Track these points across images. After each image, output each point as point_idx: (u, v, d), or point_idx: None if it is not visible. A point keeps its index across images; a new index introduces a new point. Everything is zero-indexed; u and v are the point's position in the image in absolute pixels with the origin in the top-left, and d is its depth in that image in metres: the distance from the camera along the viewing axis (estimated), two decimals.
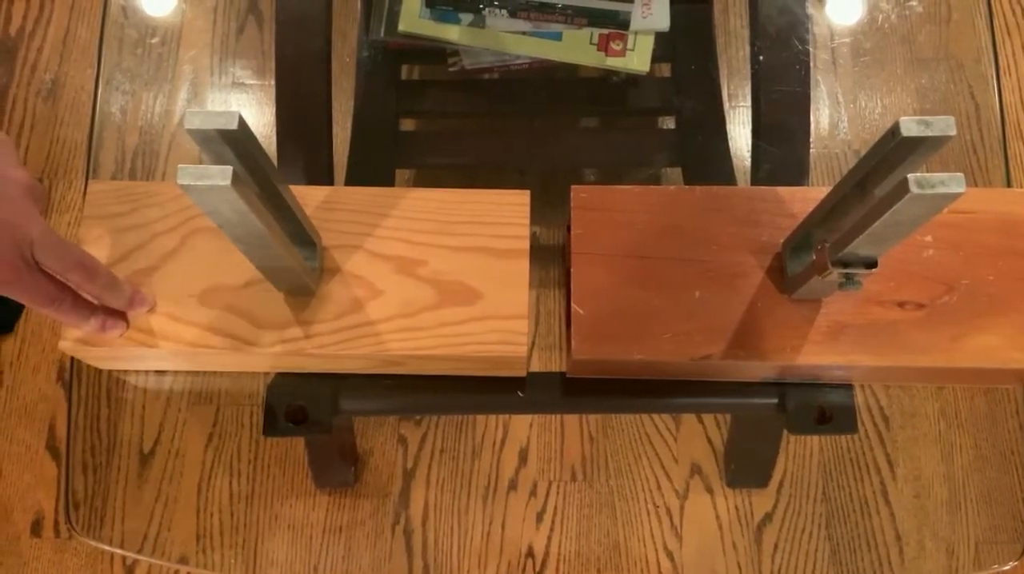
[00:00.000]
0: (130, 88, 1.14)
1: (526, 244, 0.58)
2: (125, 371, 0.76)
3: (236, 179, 0.39)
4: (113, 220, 0.58)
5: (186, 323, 0.56)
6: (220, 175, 0.39)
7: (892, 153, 0.44)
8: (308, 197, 0.58)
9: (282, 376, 0.62)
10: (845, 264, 0.49)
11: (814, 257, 0.51)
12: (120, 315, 0.56)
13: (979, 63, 1.12)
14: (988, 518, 1.03)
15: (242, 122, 0.41)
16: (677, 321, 0.57)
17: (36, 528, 1.08)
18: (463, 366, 0.59)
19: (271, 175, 0.47)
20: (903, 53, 1.13)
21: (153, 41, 1.08)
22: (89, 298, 0.53)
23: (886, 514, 1.03)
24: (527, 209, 0.58)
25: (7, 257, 0.47)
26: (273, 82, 0.71)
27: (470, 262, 0.57)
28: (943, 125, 0.41)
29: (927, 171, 0.41)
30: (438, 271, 0.57)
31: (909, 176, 0.40)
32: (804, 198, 0.60)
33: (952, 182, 0.40)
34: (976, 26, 1.10)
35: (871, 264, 0.49)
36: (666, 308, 0.57)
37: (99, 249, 0.57)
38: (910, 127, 0.41)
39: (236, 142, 0.42)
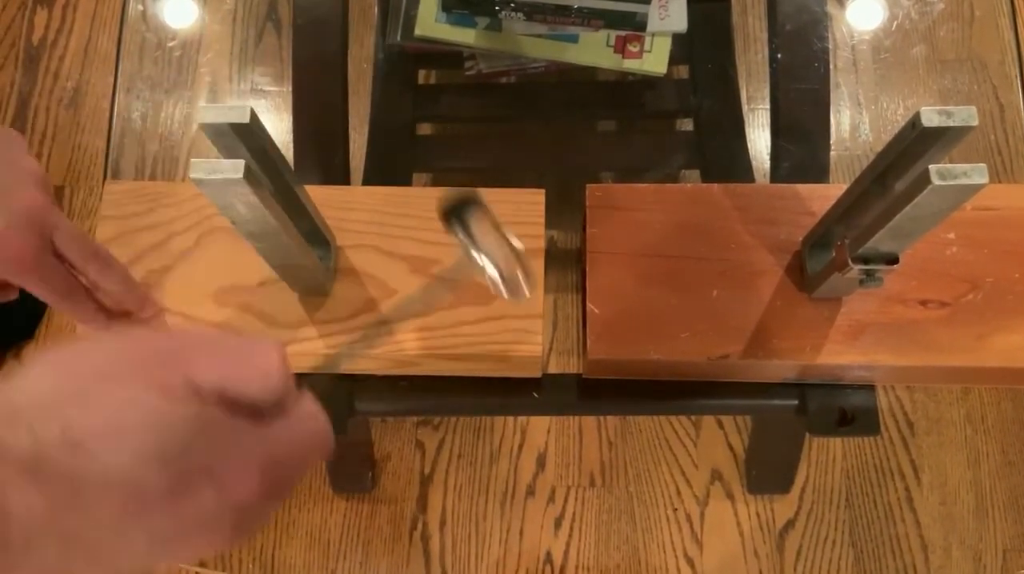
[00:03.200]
0: (150, 95, 1.15)
1: (541, 243, 0.57)
2: None
3: (249, 173, 0.39)
4: (129, 220, 0.59)
5: (200, 322, 0.56)
6: (232, 169, 0.39)
7: (913, 145, 0.43)
8: (323, 197, 0.58)
9: (297, 377, 0.61)
10: (866, 260, 0.48)
11: (834, 254, 0.50)
12: (129, 318, 0.55)
13: (1003, 63, 1.10)
14: (1016, 525, 1.01)
15: (254, 116, 0.41)
16: (694, 320, 0.57)
17: None
18: (478, 366, 0.58)
19: (284, 171, 0.47)
20: (925, 53, 1.12)
21: (171, 45, 1.09)
22: (100, 297, 0.53)
23: (911, 521, 1.01)
24: (542, 208, 0.58)
25: (31, 243, 0.47)
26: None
27: None
28: (964, 115, 0.40)
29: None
30: (452, 270, 0.57)
31: (931, 167, 0.39)
32: (824, 195, 0.59)
33: (975, 173, 0.39)
34: (999, 25, 1.09)
35: (892, 260, 0.48)
36: (683, 307, 0.57)
37: (115, 248, 0.58)
38: (931, 117, 0.41)
39: (249, 136, 0.42)
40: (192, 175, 0.39)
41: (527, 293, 0.42)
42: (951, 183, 0.39)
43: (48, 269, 0.48)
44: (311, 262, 0.51)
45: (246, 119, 0.40)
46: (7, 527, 0.25)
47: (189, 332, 0.36)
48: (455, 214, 0.41)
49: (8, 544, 0.25)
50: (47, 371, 0.29)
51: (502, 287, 0.41)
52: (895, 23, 1.02)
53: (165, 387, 0.29)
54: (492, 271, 0.41)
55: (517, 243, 0.41)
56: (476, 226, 0.41)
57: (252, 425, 0.31)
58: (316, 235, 0.55)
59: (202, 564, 0.99)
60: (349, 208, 0.59)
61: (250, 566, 1.01)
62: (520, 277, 0.41)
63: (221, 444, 0.30)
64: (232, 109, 0.41)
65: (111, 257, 0.51)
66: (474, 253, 0.41)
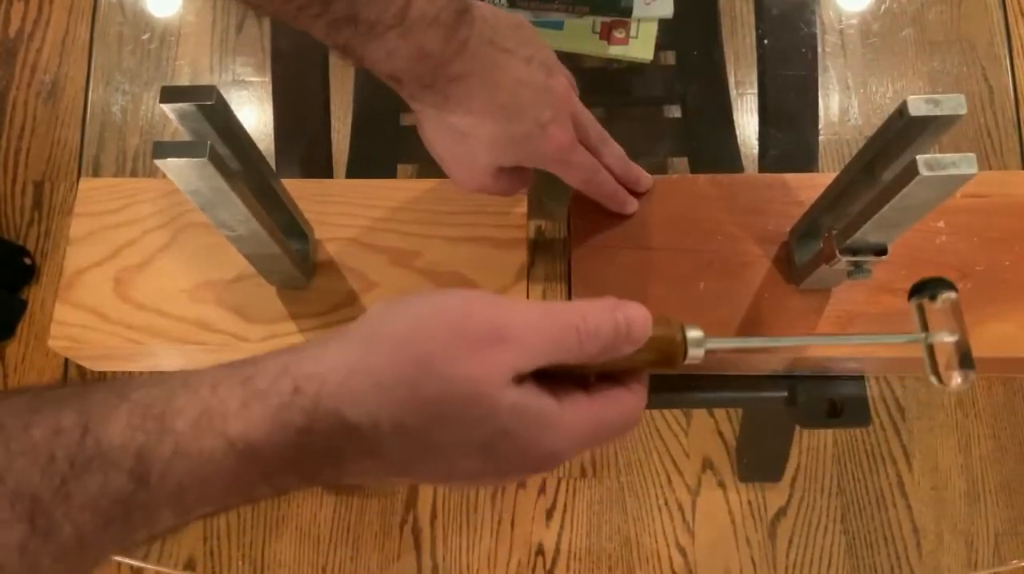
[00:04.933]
0: (129, 88, 1.13)
1: (524, 233, 0.56)
2: (128, 372, 0.75)
3: (214, 154, 0.38)
4: (104, 217, 0.57)
5: (175, 319, 0.55)
6: (197, 149, 0.38)
7: (900, 134, 0.42)
8: (300, 189, 0.57)
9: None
10: (854, 252, 0.47)
11: (822, 246, 0.49)
12: (632, 195, 0.56)
13: (992, 44, 1.09)
14: (1007, 509, 1.01)
15: (220, 96, 0.40)
16: (681, 313, 0.55)
17: None
18: None
19: (254, 155, 0.46)
20: (914, 35, 1.11)
21: (145, 38, 1.07)
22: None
23: (903, 506, 1.01)
24: (525, 198, 0.57)
25: (567, 126, 0.48)
26: None
27: (467, 253, 0.56)
28: (953, 104, 0.39)
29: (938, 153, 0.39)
30: (434, 262, 0.56)
31: (918, 157, 0.38)
32: (811, 185, 0.58)
33: (963, 163, 0.38)
34: (988, 5, 1.08)
35: (881, 251, 0.47)
36: (670, 300, 0.56)
37: (91, 245, 0.57)
38: (918, 106, 0.40)
39: (216, 117, 0.41)
40: (154, 158, 0.38)
41: (959, 381, 0.42)
42: (939, 173, 0.38)
43: (579, 152, 0.49)
44: (286, 251, 0.50)
45: (211, 100, 0.39)
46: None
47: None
48: (926, 292, 0.42)
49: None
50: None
51: (948, 366, 0.41)
52: (883, 6, 1.01)
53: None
54: (947, 338, 0.41)
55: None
56: (943, 307, 0.42)
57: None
58: (293, 227, 0.54)
59: (190, 563, 0.98)
60: (327, 201, 0.58)
61: (239, 563, 1.00)
62: (957, 365, 0.41)
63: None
64: (197, 90, 0.39)
65: (612, 140, 0.53)
66: (931, 332, 0.41)
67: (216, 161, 0.39)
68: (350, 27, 0.40)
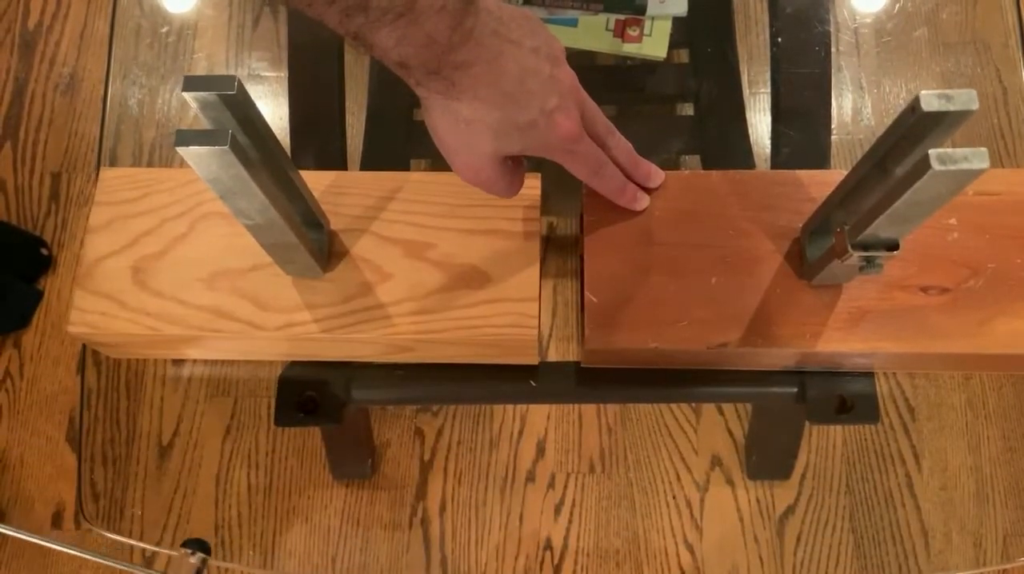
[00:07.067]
0: (147, 82, 1.14)
1: (537, 226, 0.57)
2: (143, 363, 0.76)
3: (235, 142, 0.39)
4: (123, 206, 0.58)
5: (193, 307, 0.55)
6: (218, 138, 0.38)
7: (913, 129, 0.42)
8: (316, 181, 0.57)
9: (294, 366, 0.61)
10: (865, 247, 0.48)
11: (834, 240, 0.50)
12: (644, 191, 0.57)
13: (1006, 46, 1.09)
14: (1016, 510, 1.01)
15: (241, 86, 0.40)
16: (693, 308, 0.56)
17: (57, 520, 1.09)
18: (473, 351, 0.58)
19: (272, 144, 0.46)
20: (928, 36, 1.11)
21: (163, 31, 1.08)
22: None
23: (911, 506, 1.01)
24: (538, 191, 0.58)
25: (574, 115, 0.48)
26: None
27: (480, 245, 0.56)
28: (965, 99, 0.40)
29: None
30: (447, 254, 0.56)
31: (930, 152, 0.39)
32: (823, 181, 0.58)
33: (975, 157, 0.39)
34: (1003, 7, 1.08)
35: (892, 247, 0.47)
36: (681, 295, 0.56)
37: (110, 234, 0.57)
38: (931, 101, 0.40)
39: (236, 107, 0.42)
40: (176, 145, 0.38)
41: None
42: (951, 168, 0.38)
43: (586, 143, 0.50)
44: (303, 241, 0.51)
45: (233, 89, 0.40)
46: None
47: None
48: None
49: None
50: None
51: None
52: (897, 5, 1.01)
53: None
54: None
55: None
56: None
57: None
58: (309, 217, 0.55)
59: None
60: (343, 192, 0.58)
61: (250, 553, 1.01)
62: None
63: None
64: (218, 79, 0.40)
65: (620, 135, 0.54)
66: None
67: (236, 149, 0.39)
68: (361, 14, 0.41)
